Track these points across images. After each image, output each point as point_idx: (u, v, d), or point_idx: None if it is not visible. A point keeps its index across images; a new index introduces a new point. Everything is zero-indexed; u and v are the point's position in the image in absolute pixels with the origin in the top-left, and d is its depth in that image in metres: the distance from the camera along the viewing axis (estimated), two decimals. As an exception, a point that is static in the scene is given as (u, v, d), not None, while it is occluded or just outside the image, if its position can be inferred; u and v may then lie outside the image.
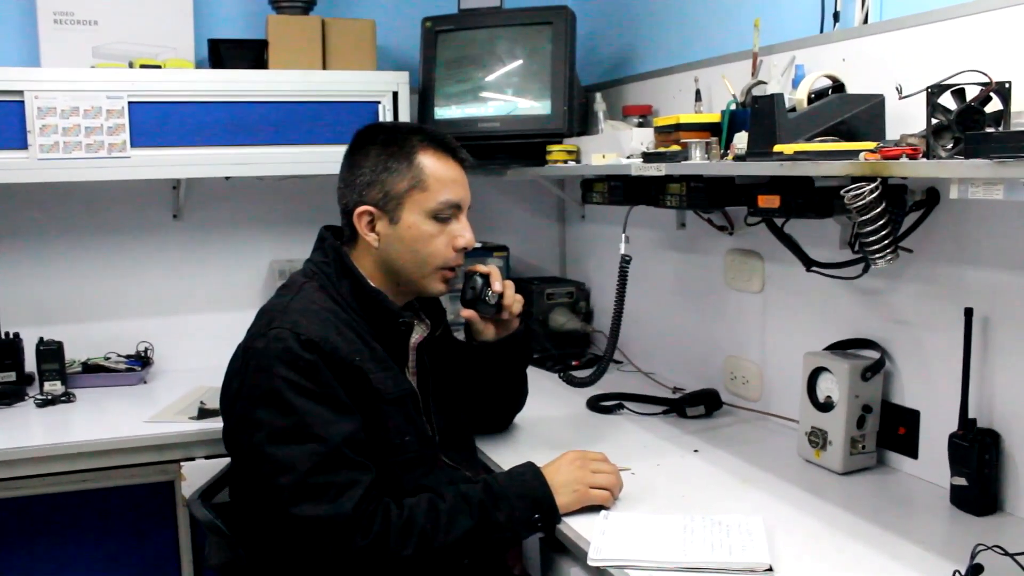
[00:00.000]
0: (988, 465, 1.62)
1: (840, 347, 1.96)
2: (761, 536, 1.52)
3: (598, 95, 2.71)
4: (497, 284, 1.93)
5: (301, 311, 1.65)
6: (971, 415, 1.65)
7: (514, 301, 1.97)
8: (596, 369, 2.18)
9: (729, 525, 1.56)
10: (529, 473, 1.67)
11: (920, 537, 1.54)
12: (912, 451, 1.83)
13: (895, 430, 1.86)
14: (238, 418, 1.63)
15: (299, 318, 1.62)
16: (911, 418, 1.83)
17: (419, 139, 1.77)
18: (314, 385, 1.57)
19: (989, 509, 1.63)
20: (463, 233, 1.80)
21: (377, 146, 1.76)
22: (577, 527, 1.60)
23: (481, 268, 1.96)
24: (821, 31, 2.01)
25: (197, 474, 2.14)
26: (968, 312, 1.64)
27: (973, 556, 1.38)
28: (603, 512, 1.65)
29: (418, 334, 1.84)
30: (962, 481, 1.63)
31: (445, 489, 1.64)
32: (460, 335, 2.09)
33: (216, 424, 1.81)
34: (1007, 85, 1.35)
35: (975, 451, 1.61)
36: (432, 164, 1.76)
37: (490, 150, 2.85)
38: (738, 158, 1.79)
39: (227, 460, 1.87)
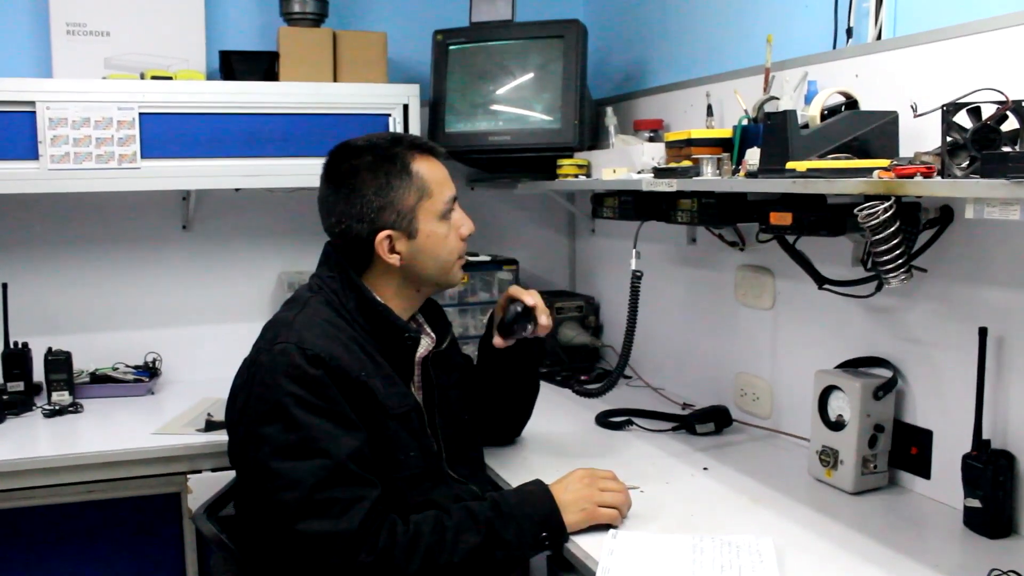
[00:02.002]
0: (1002, 487, 1.59)
1: (852, 365, 1.94)
2: (771, 557, 1.50)
3: (609, 109, 2.71)
4: (544, 318, 1.95)
5: (307, 326, 1.64)
6: (985, 436, 1.63)
7: (548, 327, 1.98)
8: (606, 381, 2.17)
9: (739, 546, 1.54)
10: (537, 491, 1.66)
11: (933, 560, 1.52)
12: (925, 471, 1.81)
13: (907, 450, 1.84)
14: (243, 433, 1.62)
15: (305, 333, 1.61)
16: (924, 438, 1.81)
17: (404, 149, 1.77)
18: (320, 400, 1.56)
19: (1003, 532, 1.61)
20: (464, 222, 1.84)
21: (367, 170, 1.73)
22: (585, 546, 1.59)
23: (527, 300, 1.95)
24: (834, 47, 2.00)
25: (203, 487, 2.13)
26: (982, 332, 1.62)
27: (988, 581, 1.36)
28: (611, 531, 1.63)
29: (424, 348, 1.83)
30: (976, 503, 1.61)
31: (452, 505, 1.63)
32: (467, 349, 2.08)
33: (223, 437, 1.80)
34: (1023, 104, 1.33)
35: (989, 473, 1.59)
36: (426, 169, 1.77)
37: (501, 163, 2.85)
38: (750, 175, 1.78)
39: (234, 473, 1.86)
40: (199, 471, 2.21)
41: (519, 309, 1.95)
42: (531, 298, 1.96)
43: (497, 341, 1.98)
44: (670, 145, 2.15)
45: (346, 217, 1.73)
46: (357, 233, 1.73)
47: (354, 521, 1.49)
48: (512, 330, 1.96)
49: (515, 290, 1.99)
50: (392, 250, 1.74)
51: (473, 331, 2.95)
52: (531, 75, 2.73)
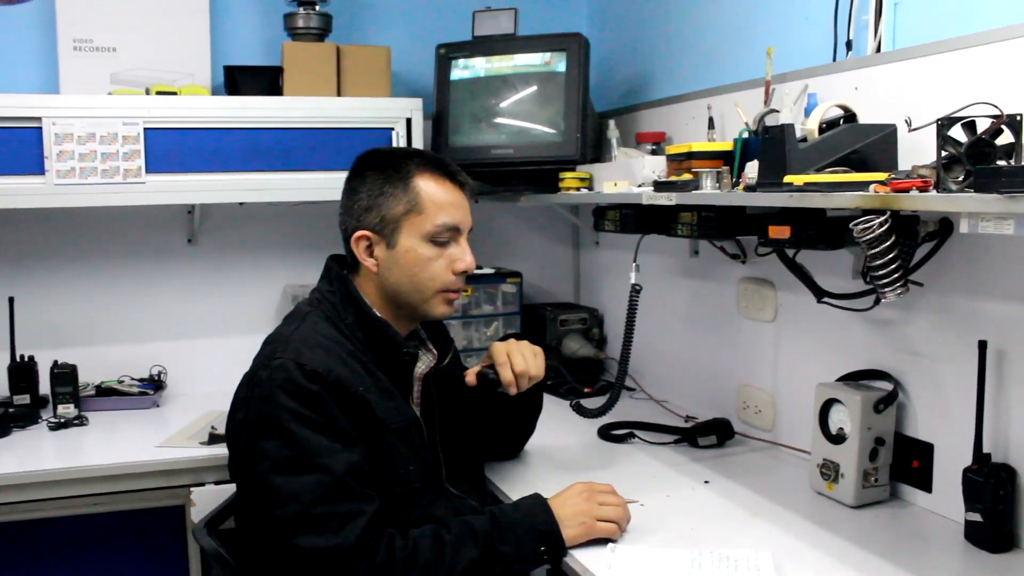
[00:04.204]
0: (1003, 501, 1.58)
1: (853, 378, 1.93)
2: (770, 572, 1.50)
3: (611, 122, 2.71)
4: (512, 388, 1.85)
5: (305, 341, 1.64)
6: (986, 449, 1.62)
7: (531, 384, 1.88)
8: (605, 402, 2.15)
9: (738, 560, 1.54)
10: (536, 505, 1.66)
11: (934, 574, 1.51)
12: (926, 485, 1.80)
13: (908, 463, 1.83)
14: (242, 448, 1.63)
15: (303, 348, 1.62)
16: (925, 451, 1.80)
17: (416, 162, 1.76)
18: (317, 415, 1.56)
19: (1005, 546, 1.60)
20: (462, 257, 1.77)
21: (374, 171, 1.76)
22: (584, 560, 1.59)
23: (505, 376, 1.84)
24: (834, 59, 2.00)
25: (207, 500, 2.14)
26: (982, 345, 1.61)
27: (987, 595, 1.35)
28: (610, 545, 1.63)
29: (424, 364, 1.83)
30: (977, 517, 1.60)
31: (450, 520, 1.63)
32: (469, 362, 2.07)
33: (226, 450, 1.80)
34: (1018, 118, 1.33)
35: (990, 486, 1.58)
36: (429, 187, 1.74)
37: (504, 176, 2.86)
38: (749, 188, 1.78)
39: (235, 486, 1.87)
40: (203, 484, 2.22)
41: (492, 376, 1.87)
42: (502, 360, 1.84)
43: (470, 379, 1.91)
44: (671, 158, 2.15)
45: (343, 210, 1.78)
46: (345, 228, 1.77)
47: (352, 536, 1.49)
48: (488, 389, 1.90)
49: (498, 352, 1.87)
50: (370, 254, 1.74)
51: (477, 343, 2.96)
52: (534, 88, 2.74)
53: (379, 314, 1.76)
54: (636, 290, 2.14)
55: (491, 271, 3.01)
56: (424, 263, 1.74)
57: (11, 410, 2.52)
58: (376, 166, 1.76)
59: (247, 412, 1.61)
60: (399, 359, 1.75)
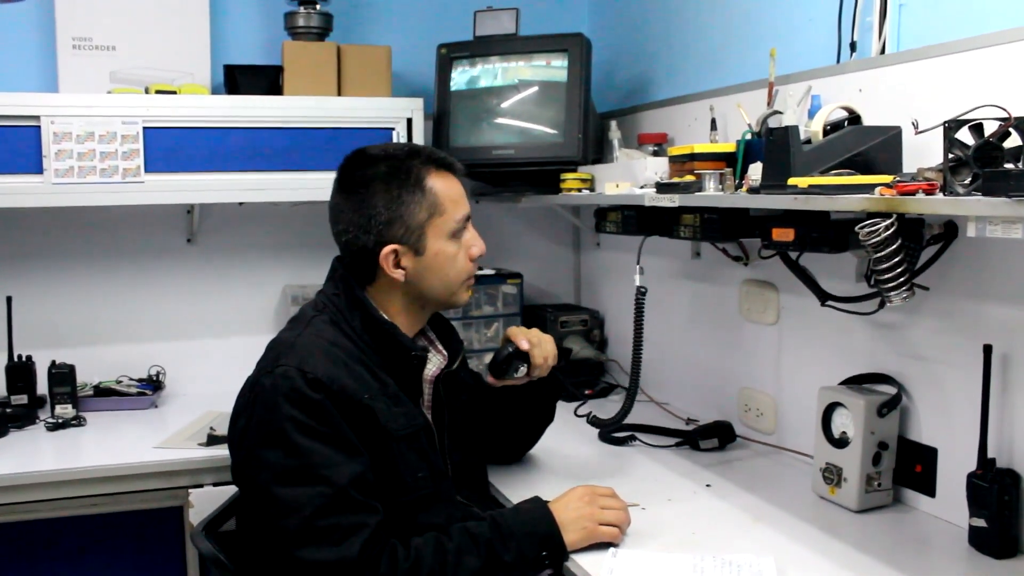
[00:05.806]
0: (1008, 506, 1.57)
1: (856, 382, 1.92)
2: (773, 577, 1.49)
3: (613, 123, 2.70)
4: (539, 359, 1.91)
5: (309, 348, 1.61)
6: (990, 454, 1.61)
7: (547, 367, 1.94)
8: (619, 412, 2.14)
9: (740, 565, 1.53)
10: (537, 509, 1.64)
11: (937, 580, 1.50)
12: (929, 489, 1.79)
13: (912, 468, 1.82)
14: (245, 455, 1.60)
15: (307, 355, 1.59)
16: (928, 456, 1.79)
17: (420, 163, 1.73)
18: (321, 425, 1.53)
19: (1009, 552, 1.58)
20: (475, 243, 1.79)
21: (381, 181, 1.70)
22: (585, 565, 1.58)
23: (520, 343, 1.91)
24: (838, 61, 1.99)
25: (205, 501, 2.13)
26: (987, 349, 1.60)
27: (992, 603, 1.34)
28: (612, 549, 1.62)
29: (434, 366, 1.80)
30: (981, 522, 1.59)
31: (451, 527, 1.60)
32: (469, 363, 2.06)
33: (225, 451, 1.79)
34: (1026, 120, 1.32)
35: (994, 492, 1.57)
36: (440, 185, 1.72)
37: (504, 177, 2.85)
38: (752, 190, 1.77)
39: (235, 488, 1.85)
40: (201, 485, 2.21)
41: (509, 350, 1.91)
42: (526, 341, 1.91)
43: (489, 379, 1.96)
44: (673, 159, 2.14)
45: (353, 227, 1.71)
46: (363, 244, 1.70)
47: (354, 549, 1.47)
48: (502, 370, 1.91)
49: (513, 331, 1.95)
50: (397, 265, 1.71)
51: (477, 345, 2.95)
52: (535, 89, 2.72)
53: (387, 317, 1.72)
54: (642, 292, 2.12)
55: (492, 272, 2.99)
56: (451, 260, 1.74)
57: (8, 410, 2.50)
58: (381, 175, 1.70)
59: (249, 420, 1.58)
60: (407, 362, 1.72)
